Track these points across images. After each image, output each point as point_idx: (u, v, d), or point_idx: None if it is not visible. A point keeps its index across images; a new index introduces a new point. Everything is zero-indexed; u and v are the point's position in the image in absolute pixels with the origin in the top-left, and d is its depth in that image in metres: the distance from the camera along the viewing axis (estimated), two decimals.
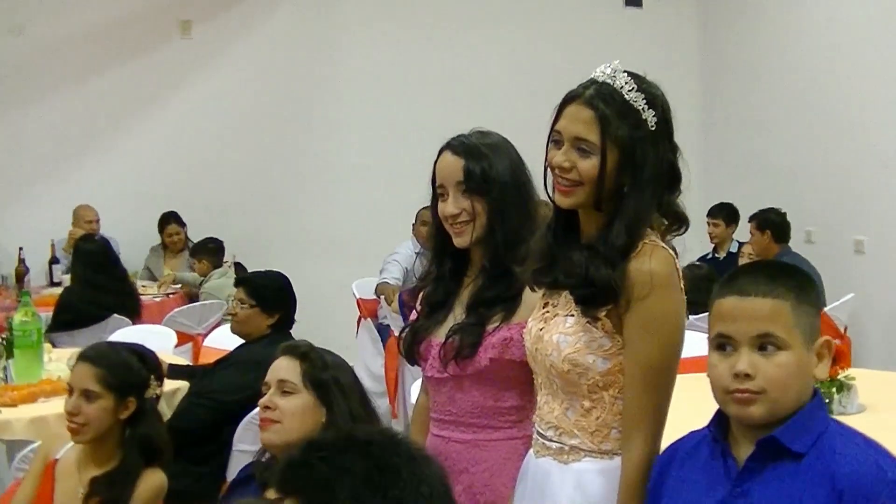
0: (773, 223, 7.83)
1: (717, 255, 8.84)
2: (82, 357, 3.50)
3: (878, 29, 7.93)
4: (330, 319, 7.91)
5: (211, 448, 4.68)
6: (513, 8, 10.43)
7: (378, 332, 8.13)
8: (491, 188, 2.90)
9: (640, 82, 2.50)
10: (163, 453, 3.51)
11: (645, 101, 2.47)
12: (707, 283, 6.57)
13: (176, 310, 7.76)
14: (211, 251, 8.70)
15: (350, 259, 9.16)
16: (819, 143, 8.64)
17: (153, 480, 3.44)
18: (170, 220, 9.31)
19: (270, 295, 4.98)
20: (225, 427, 4.66)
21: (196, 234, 9.26)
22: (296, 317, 5.13)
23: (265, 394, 3.01)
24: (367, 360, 7.94)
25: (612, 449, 2.53)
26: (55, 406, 4.53)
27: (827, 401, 4.20)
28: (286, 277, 5.17)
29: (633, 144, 2.46)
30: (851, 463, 2.04)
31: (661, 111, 2.50)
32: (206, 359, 6.08)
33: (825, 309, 5.99)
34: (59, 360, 5.12)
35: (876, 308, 7.53)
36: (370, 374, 7.67)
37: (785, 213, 7.92)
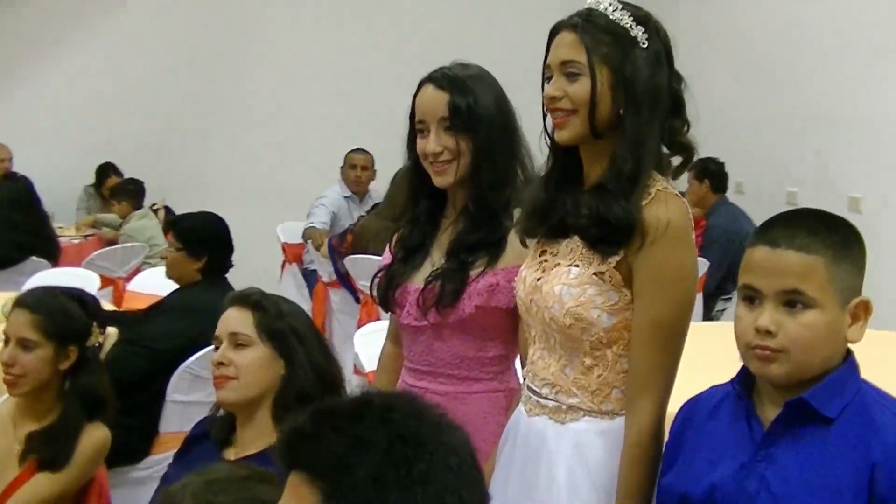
0: (711, 173, 7.74)
1: None
2: (18, 303, 3.26)
3: None
4: (254, 264, 7.71)
5: (142, 398, 4.44)
6: None
7: (304, 277, 7.98)
8: (477, 125, 2.71)
9: (628, 4, 2.35)
10: (106, 406, 3.30)
11: (632, 18, 2.32)
12: None
13: (96, 252, 7.53)
14: (130, 192, 8.47)
15: (275, 203, 8.95)
16: (751, 94, 8.58)
17: (96, 436, 3.24)
18: (108, 171, 9.08)
19: (195, 238, 4.76)
20: (158, 376, 4.43)
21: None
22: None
23: (217, 348, 2.79)
24: None
25: (614, 409, 2.37)
26: None
27: None
28: (217, 219, 4.94)
29: (622, 61, 2.29)
30: (888, 433, 1.91)
31: (656, 34, 2.35)
32: (130, 304, 5.89)
33: None
34: None
35: None
36: None
37: (723, 164, 7.84)
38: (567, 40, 2.31)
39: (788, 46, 8.05)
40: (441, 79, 2.75)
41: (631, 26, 2.30)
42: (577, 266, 2.34)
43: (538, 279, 2.42)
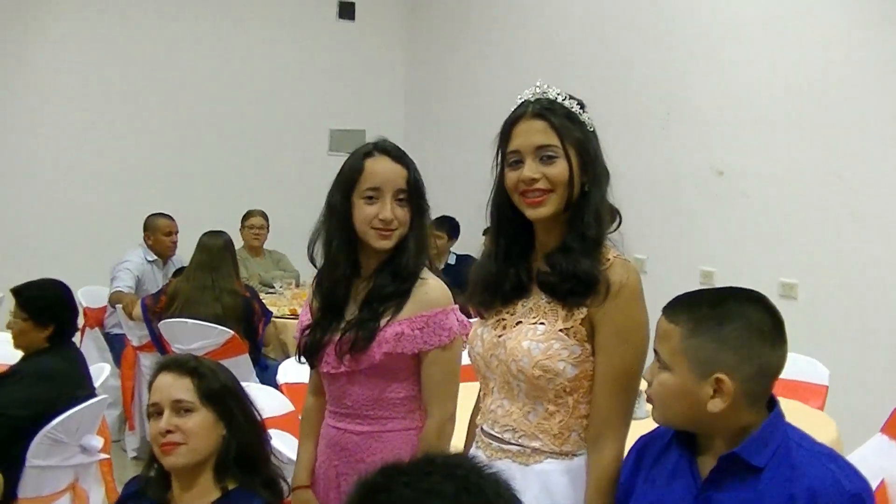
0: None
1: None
2: None
3: (584, 43, 8.43)
4: None
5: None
6: (228, 9, 10.38)
7: (107, 341, 7.94)
8: (421, 199, 3.11)
9: (567, 93, 2.70)
10: None
11: (578, 105, 2.69)
12: None
13: None
14: None
15: (74, 267, 8.74)
16: None
17: None
18: None
19: (41, 307, 4.83)
20: (14, 442, 4.46)
21: None
22: None
23: (153, 414, 2.91)
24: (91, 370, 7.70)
25: (573, 450, 2.68)
26: None
27: None
28: (61, 285, 5.03)
29: (585, 144, 2.65)
30: (810, 477, 2.16)
31: (588, 116, 2.71)
32: None
33: None
34: None
35: None
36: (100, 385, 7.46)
37: None
38: (538, 127, 2.64)
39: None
40: (396, 153, 3.12)
41: (580, 112, 2.67)
42: (543, 324, 2.65)
43: (499, 336, 2.74)
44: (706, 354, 2.22)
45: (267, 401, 3.79)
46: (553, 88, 2.69)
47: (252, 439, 2.96)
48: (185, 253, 7.95)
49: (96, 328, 8.02)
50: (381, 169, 3.08)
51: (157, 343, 7.03)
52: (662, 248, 7.55)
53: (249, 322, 7.00)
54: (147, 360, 7.30)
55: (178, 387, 2.91)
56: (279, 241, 9.33)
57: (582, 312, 2.61)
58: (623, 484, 2.56)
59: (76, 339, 7.82)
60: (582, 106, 2.69)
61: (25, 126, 9.57)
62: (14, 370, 4.81)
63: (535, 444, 2.70)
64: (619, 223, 2.73)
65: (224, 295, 6.93)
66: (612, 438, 2.61)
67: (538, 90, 2.69)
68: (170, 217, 8.19)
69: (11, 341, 4.88)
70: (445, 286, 3.16)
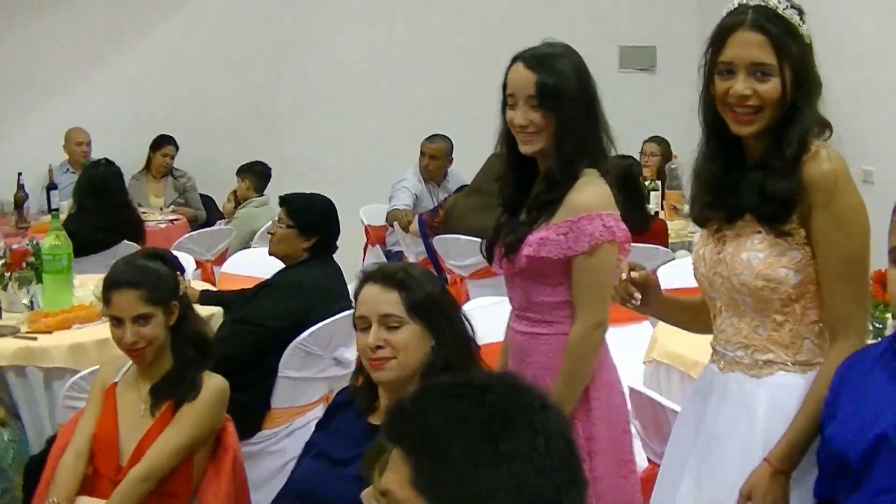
0: None
1: None
2: (117, 284, 3.38)
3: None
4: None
5: (253, 375, 4.52)
6: None
7: (387, 258, 8.01)
8: (561, 104, 3.01)
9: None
10: (211, 347, 3.52)
11: (798, 15, 2.51)
12: None
13: (186, 235, 7.62)
14: (257, 174, 8.65)
15: (357, 186, 8.87)
16: None
17: (215, 382, 3.43)
18: (163, 142, 9.17)
19: (308, 218, 4.85)
20: (268, 353, 4.53)
21: (188, 162, 9.27)
22: None
23: (362, 327, 2.83)
24: None
25: (808, 359, 2.59)
26: (90, 333, 4.51)
27: (880, 325, 4.19)
28: (330, 202, 5.05)
29: (802, 60, 2.50)
30: None
31: (807, 28, 2.53)
32: (224, 286, 5.93)
33: None
34: (84, 287, 4.96)
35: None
36: None
37: None
38: (755, 41, 2.48)
39: None
40: (530, 59, 3.06)
41: (799, 24, 2.49)
42: (760, 232, 2.55)
43: (719, 253, 2.64)
44: None
45: None
46: None
47: (461, 350, 2.84)
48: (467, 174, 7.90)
49: (377, 246, 8.10)
50: (514, 76, 3.07)
51: (433, 258, 7.01)
52: (891, 159, 7.12)
53: None
54: None
55: (385, 300, 2.81)
56: None
57: (795, 216, 2.51)
58: (829, 403, 2.41)
59: (359, 255, 8.08)
60: (801, 14, 2.50)
61: (317, 61, 9.84)
62: (271, 282, 4.88)
63: (768, 356, 2.61)
64: (830, 135, 2.58)
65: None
66: (853, 329, 2.52)
67: None
68: (439, 139, 8.14)
69: (269, 247, 4.95)
70: (603, 191, 3.09)
